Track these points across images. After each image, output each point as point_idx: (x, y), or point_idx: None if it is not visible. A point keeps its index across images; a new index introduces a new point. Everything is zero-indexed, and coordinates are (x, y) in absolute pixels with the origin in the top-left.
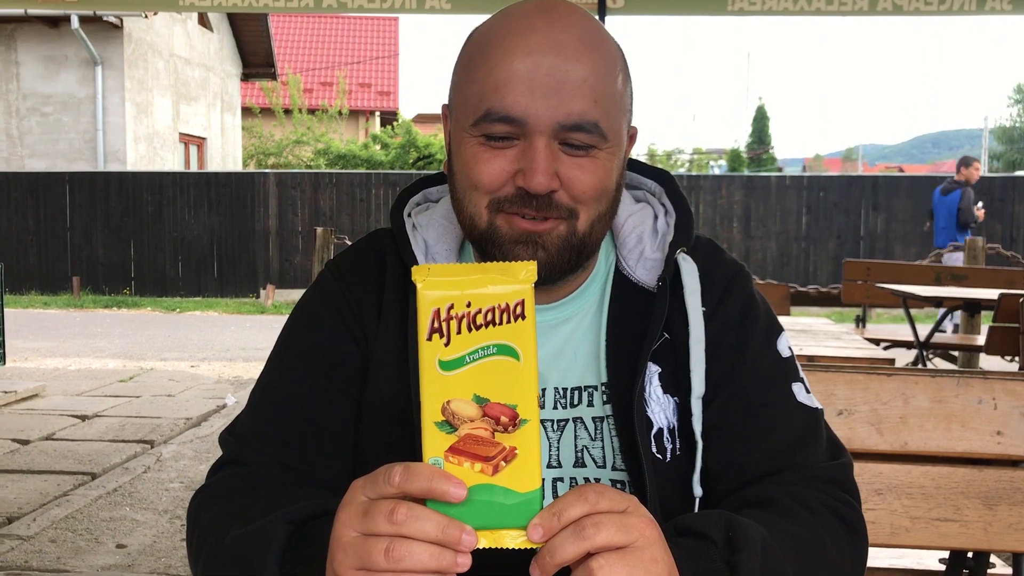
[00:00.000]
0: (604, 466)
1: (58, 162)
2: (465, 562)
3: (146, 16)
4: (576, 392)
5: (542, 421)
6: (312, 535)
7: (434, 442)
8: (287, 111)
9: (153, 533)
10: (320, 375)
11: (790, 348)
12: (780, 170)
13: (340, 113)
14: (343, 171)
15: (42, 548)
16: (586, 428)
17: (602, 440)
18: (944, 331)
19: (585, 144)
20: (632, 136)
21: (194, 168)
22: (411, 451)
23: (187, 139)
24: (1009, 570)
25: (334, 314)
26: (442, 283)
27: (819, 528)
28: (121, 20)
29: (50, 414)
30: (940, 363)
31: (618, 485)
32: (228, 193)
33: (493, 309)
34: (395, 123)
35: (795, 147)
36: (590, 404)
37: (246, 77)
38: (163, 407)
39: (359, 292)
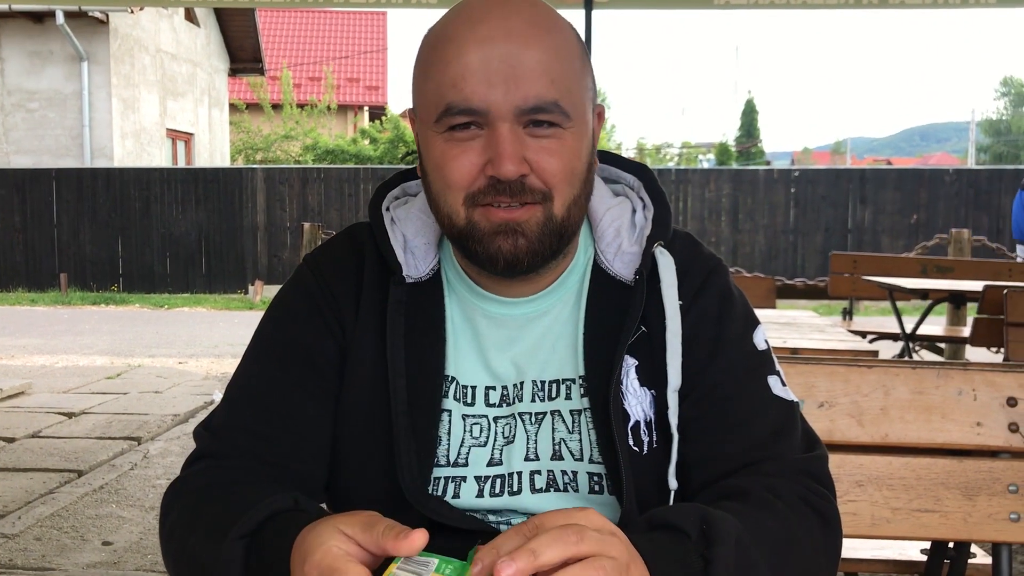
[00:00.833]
0: (581, 459)
1: (44, 158)
2: None
3: (132, 11)
4: (554, 385)
5: (521, 414)
6: (266, 542)
7: None
8: (275, 106)
9: (139, 530)
10: (297, 369)
11: (766, 341)
12: (768, 163)
13: (328, 108)
14: (331, 166)
15: (27, 546)
16: (564, 421)
17: (579, 433)
18: None
19: (548, 123)
20: (599, 115)
21: (182, 164)
22: (387, 448)
23: (174, 135)
24: (989, 559)
25: (312, 309)
26: None
27: (793, 520)
28: (107, 15)
29: (36, 411)
30: (926, 355)
31: (595, 478)
32: (216, 189)
33: None
34: (384, 118)
35: (784, 140)
36: (568, 397)
37: (234, 72)
38: (150, 404)
39: (337, 287)
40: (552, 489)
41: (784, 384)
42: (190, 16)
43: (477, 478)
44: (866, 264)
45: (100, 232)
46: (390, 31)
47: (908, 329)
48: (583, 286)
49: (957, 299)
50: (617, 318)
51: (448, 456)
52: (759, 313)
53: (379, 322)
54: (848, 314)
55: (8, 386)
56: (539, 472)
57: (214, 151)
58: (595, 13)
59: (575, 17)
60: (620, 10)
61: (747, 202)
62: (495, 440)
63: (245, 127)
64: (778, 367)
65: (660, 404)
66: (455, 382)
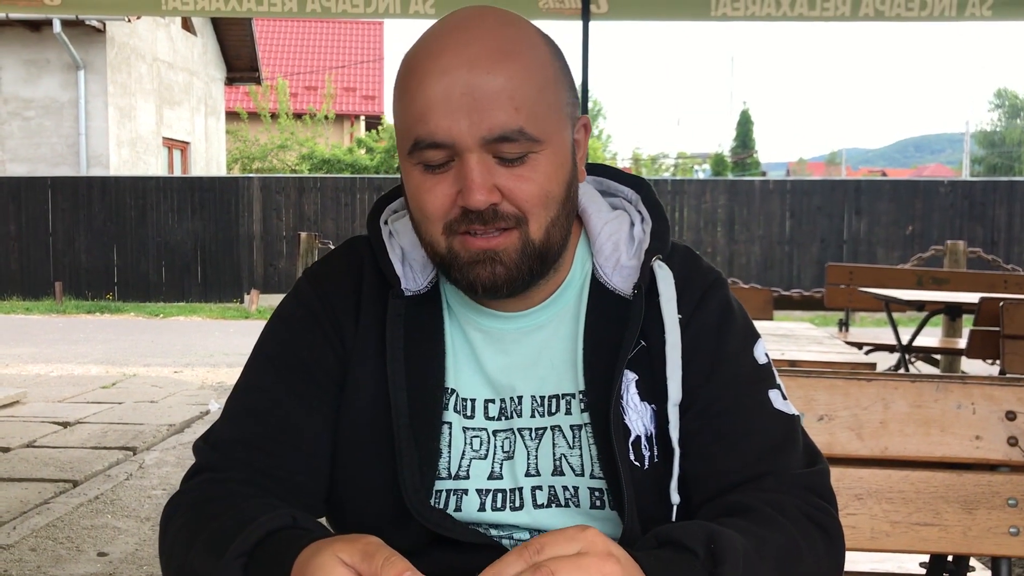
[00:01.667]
0: (582, 474)
1: (40, 167)
2: None
3: (129, 20)
4: (554, 400)
5: (520, 429)
6: (264, 561)
7: None
8: (272, 115)
9: (135, 541)
10: (297, 383)
11: (767, 355)
12: (764, 174)
13: (325, 117)
14: (328, 175)
15: (22, 557)
16: (564, 436)
17: (580, 448)
18: None
19: (517, 153)
20: (585, 127)
21: (178, 173)
22: (388, 460)
23: (171, 143)
24: (988, 573)
25: (311, 322)
26: None
27: (797, 536)
28: (104, 24)
29: (31, 421)
30: (923, 366)
31: (596, 493)
32: (212, 198)
33: None
34: (380, 127)
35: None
36: (568, 412)
37: (230, 81)
38: (146, 413)
39: (336, 300)
40: (554, 504)
41: (785, 398)
42: (187, 25)
43: (479, 491)
44: (862, 275)
45: (95, 240)
46: (386, 41)
47: (904, 341)
48: (581, 300)
49: (953, 311)
50: (616, 332)
51: (449, 469)
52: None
53: (379, 335)
54: (844, 325)
55: (3, 395)
56: (540, 488)
57: (210, 160)
58: (592, 24)
59: (572, 29)
60: (617, 21)
61: (743, 213)
62: (495, 453)
63: (242, 136)
64: (779, 381)
65: (661, 418)
66: (455, 394)
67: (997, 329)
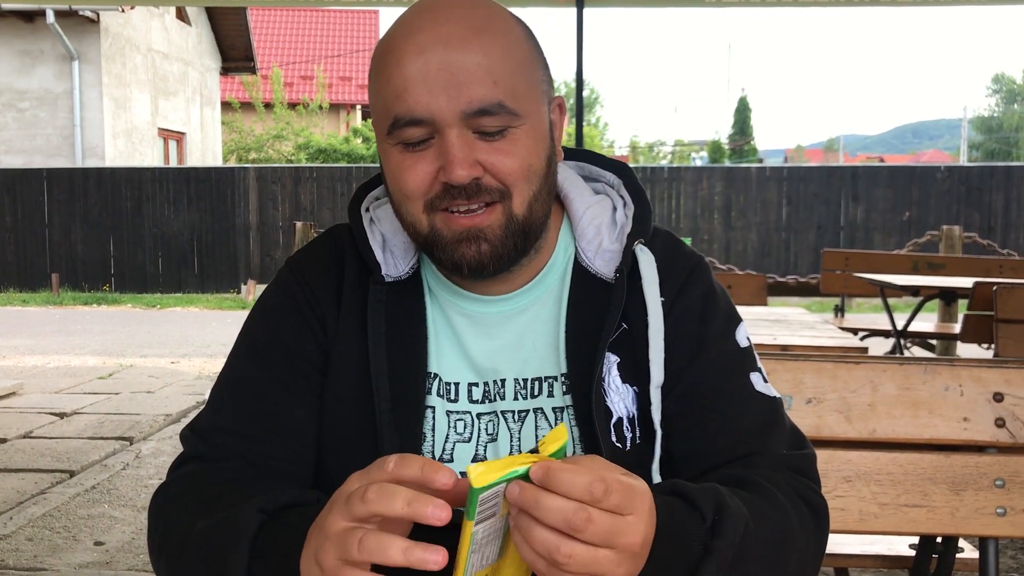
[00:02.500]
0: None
1: (35, 158)
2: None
3: (123, 10)
4: (536, 383)
5: (503, 412)
6: (285, 524)
7: None
8: (267, 105)
9: (132, 530)
10: (281, 370)
11: (748, 338)
12: (761, 161)
13: (321, 107)
14: (324, 165)
15: (19, 546)
16: (547, 418)
17: None
18: None
19: (497, 127)
20: (560, 108)
21: (173, 163)
22: (372, 446)
23: (166, 134)
24: (977, 553)
25: (294, 311)
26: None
27: (790, 513)
28: (97, 14)
29: (28, 412)
30: (918, 351)
31: None
32: (208, 188)
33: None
34: None
35: (777, 138)
36: (550, 395)
37: (225, 71)
38: (143, 404)
39: (318, 288)
40: None
41: (766, 380)
42: (181, 15)
43: (464, 474)
44: (858, 261)
45: (92, 232)
46: (382, 29)
47: (900, 326)
48: (564, 284)
49: (948, 296)
50: (598, 315)
51: (433, 452)
52: (751, 310)
53: (360, 321)
54: (840, 311)
55: (0, 387)
56: None
57: (206, 150)
58: (587, 11)
59: (567, 16)
60: (612, 8)
61: (740, 200)
62: (479, 436)
63: (237, 127)
64: (760, 364)
65: (643, 400)
66: (438, 378)
67: (991, 314)
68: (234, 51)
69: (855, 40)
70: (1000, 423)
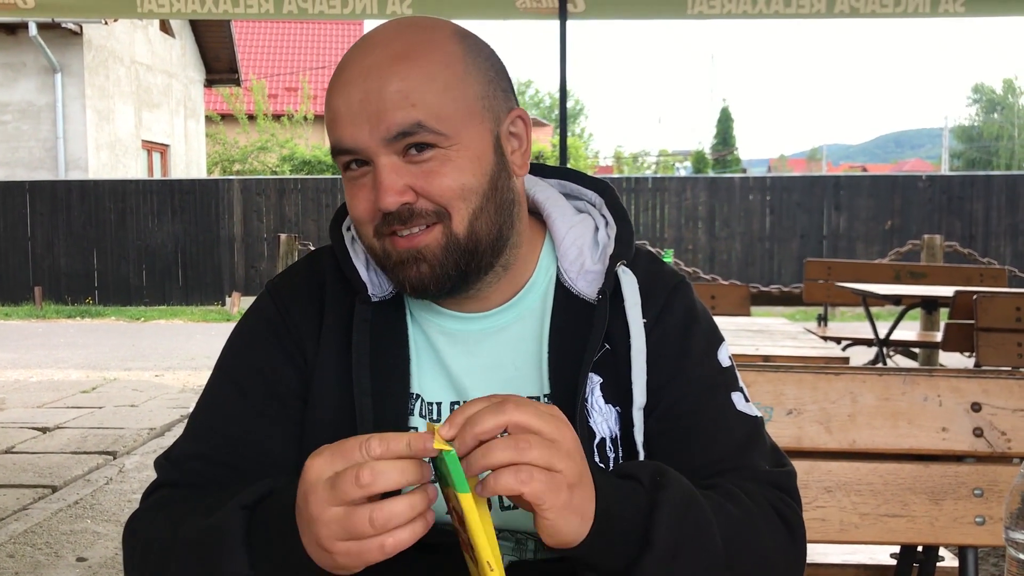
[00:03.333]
0: None
1: (18, 171)
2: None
3: (106, 23)
4: None
5: None
6: (270, 515)
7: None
8: (251, 117)
9: (115, 545)
10: (258, 397)
11: (730, 358)
12: (744, 171)
13: (305, 118)
14: (309, 176)
15: (0, 563)
16: None
17: None
18: None
19: (421, 145)
20: (523, 119)
21: (157, 175)
22: None
23: (150, 146)
24: (957, 562)
25: (272, 338)
26: None
27: (757, 516)
28: (80, 27)
29: (10, 427)
30: (901, 360)
31: None
32: (192, 200)
33: None
34: None
35: (760, 148)
36: None
37: (209, 83)
38: (126, 417)
39: (297, 313)
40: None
41: (748, 400)
42: (165, 27)
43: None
44: (840, 270)
45: (75, 245)
46: None
47: (882, 334)
48: (546, 304)
49: (929, 304)
50: (581, 336)
51: None
52: (733, 320)
53: (343, 343)
54: (823, 320)
55: None
56: None
57: (190, 162)
58: (570, 23)
59: (549, 28)
60: (594, 20)
61: (723, 210)
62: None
63: (221, 138)
64: (742, 384)
65: (626, 421)
66: (420, 399)
67: (972, 322)
68: (218, 63)
69: (837, 51)
70: (978, 432)
